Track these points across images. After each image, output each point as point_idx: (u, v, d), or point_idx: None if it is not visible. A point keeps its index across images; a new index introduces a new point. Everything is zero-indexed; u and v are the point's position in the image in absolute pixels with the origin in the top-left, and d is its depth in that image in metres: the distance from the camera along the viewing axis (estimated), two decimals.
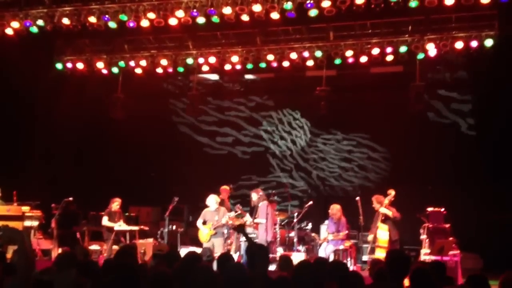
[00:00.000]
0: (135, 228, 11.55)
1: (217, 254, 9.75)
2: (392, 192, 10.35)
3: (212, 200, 10.48)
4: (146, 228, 11.89)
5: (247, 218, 10.61)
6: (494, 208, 11.52)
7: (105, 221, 11.20)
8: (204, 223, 10.42)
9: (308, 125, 15.18)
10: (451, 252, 9.43)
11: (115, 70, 13.77)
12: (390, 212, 10.12)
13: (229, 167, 14.91)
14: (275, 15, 10.79)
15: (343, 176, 14.66)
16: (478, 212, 11.76)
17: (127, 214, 12.45)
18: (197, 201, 14.95)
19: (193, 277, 4.11)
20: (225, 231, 10.51)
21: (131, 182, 14.56)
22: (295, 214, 11.66)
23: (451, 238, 9.68)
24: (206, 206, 10.58)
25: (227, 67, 13.22)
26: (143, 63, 13.45)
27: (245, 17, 11.04)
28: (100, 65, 13.71)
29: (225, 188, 11.57)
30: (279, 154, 15.24)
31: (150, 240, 11.27)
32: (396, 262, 5.00)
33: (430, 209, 10.43)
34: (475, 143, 13.20)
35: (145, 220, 13.27)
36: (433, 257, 9.10)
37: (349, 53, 12.18)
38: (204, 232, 10.38)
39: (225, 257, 5.66)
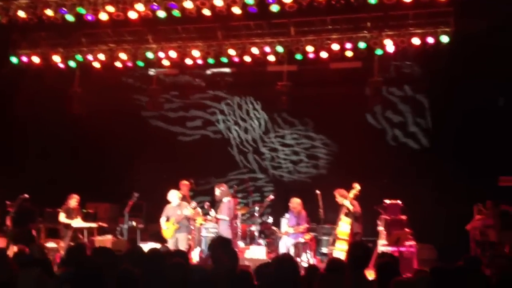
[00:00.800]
0: (93, 225, 11.38)
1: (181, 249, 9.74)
2: (357, 186, 10.51)
3: (173, 196, 10.43)
4: (105, 225, 11.73)
5: (212, 213, 10.61)
6: (448, 201, 11.85)
7: (62, 218, 10.99)
8: (168, 219, 10.35)
9: (265, 118, 15.25)
10: (407, 243, 9.69)
11: (72, 64, 13.50)
12: (351, 207, 10.24)
13: (193, 160, 14.81)
14: (236, 10, 10.78)
15: (301, 170, 14.80)
16: (433, 205, 12.08)
17: (84, 210, 12.24)
18: (158, 197, 14.92)
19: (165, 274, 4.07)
20: (188, 224, 10.45)
21: (89, 179, 14.30)
22: (256, 208, 11.73)
23: (407, 230, 9.94)
24: (168, 202, 10.52)
25: (188, 61, 13.14)
26: (102, 56, 13.22)
27: (206, 12, 10.98)
28: (56, 58, 13.41)
29: (185, 183, 11.52)
30: (234, 143, 15.24)
31: (109, 236, 11.12)
32: (357, 254, 5.13)
33: (387, 201, 10.67)
34: (431, 138, 13.55)
35: (103, 217, 13.05)
36: (390, 248, 9.32)
37: (309, 48, 12.28)
38: (166, 229, 10.32)
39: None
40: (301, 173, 14.77)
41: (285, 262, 4.85)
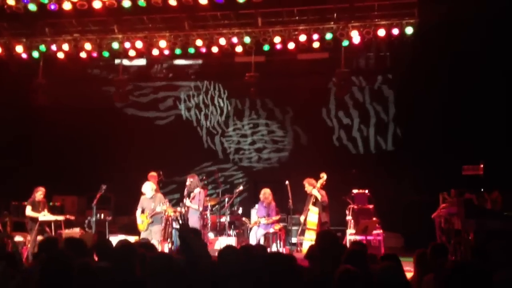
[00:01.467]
0: (61, 218, 11.19)
1: (154, 241, 9.69)
2: (324, 176, 10.64)
3: (147, 188, 10.34)
4: (72, 218, 11.54)
5: (186, 201, 10.55)
6: (413, 190, 12.12)
7: (28, 211, 10.77)
8: (143, 211, 10.28)
9: (229, 108, 15.26)
10: (374, 232, 9.87)
11: (35, 54, 13.19)
12: (319, 196, 10.38)
13: (162, 151, 14.71)
14: (203, 0, 10.70)
15: (266, 157, 14.88)
16: (399, 194, 12.33)
17: (51, 203, 12.04)
18: (126, 189, 14.78)
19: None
20: (162, 219, 10.38)
21: (56, 171, 14.07)
22: (226, 199, 11.74)
23: (374, 219, 10.10)
24: (141, 194, 10.45)
25: (155, 52, 12.98)
26: (66, 47, 12.96)
27: (172, 1, 10.89)
28: (19, 49, 13.08)
29: (153, 174, 11.43)
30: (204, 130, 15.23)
31: (77, 229, 10.95)
32: (326, 243, 5.19)
33: (355, 191, 10.83)
34: (396, 130, 13.81)
35: (70, 210, 12.89)
36: (358, 237, 9.48)
37: (277, 39, 12.29)
38: (140, 222, 10.25)
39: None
40: (267, 160, 14.82)
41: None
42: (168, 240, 10.58)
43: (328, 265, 4.83)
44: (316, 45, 12.33)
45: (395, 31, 11.67)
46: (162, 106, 15.58)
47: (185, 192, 10.57)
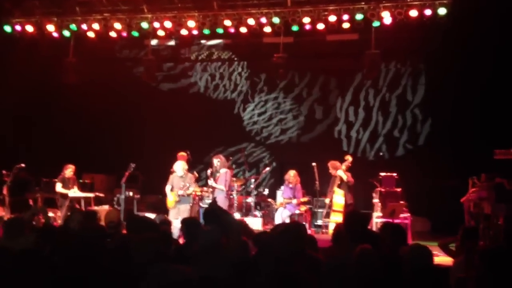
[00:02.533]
0: (90, 195, 11.40)
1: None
2: (349, 158, 10.64)
3: (179, 167, 10.42)
4: (102, 195, 11.75)
5: (210, 182, 10.62)
6: (442, 174, 11.95)
7: (58, 187, 11.00)
8: (172, 189, 10.39)
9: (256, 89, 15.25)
10: (401, 215, 9.78)
11: (66, 33, 13.34)
12: (345, 176, 10.38)
13: (191, 131, 14.81)
14: None
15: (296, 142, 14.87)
16: (427, 178, 12.17)
17: (81, 181, 12.26)
18: (154, 168, 14.94)
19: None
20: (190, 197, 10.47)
21: (86, 149, 14.30)
22: (252, 180, 11.78)
23: (402, 202, 10.02)
24: (171, 172, 10.56)
25: (184, 32, 13.00)
26: (96, 26, 13.06)
27: None
28: (50, 28, 13.24)
29: (182, 154, 11.51)
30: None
31: (106, 207, 11.14)
32: (354, 223, 5.17)
33: (382, 174, 10.74)
34: (428, 112, 13.58)
35: (100, 188, 13.06)
36: (384, 220, 9.40)
37: (306, 20, 12.16)
38: (170, 199, 10.37)
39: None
40: (294, 142, 14.75)
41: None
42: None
43: (355, 246, 4.82)
44: (346, 25, 12.16)
45: (428, 12, 11.42)
46: (190, 87, 15.61)
47: (208, 173, 10.61)
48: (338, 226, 5.62)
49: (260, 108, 15.18)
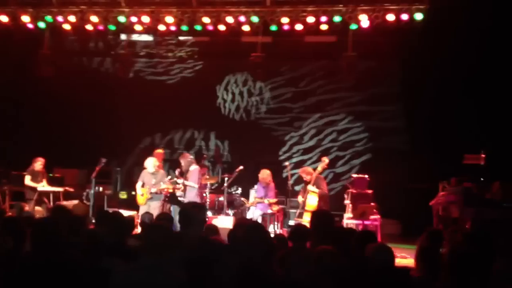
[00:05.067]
0: (59, 189, 11.24)
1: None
2: (325, 160, 10.54)
3: (150, 163, 10.35)
4: (71, 190, 11.60)
5: (179, 181, 10.55)
6: (413, 178, 12.07)
7: (27, 180, 10.82)
8: (143, 185, 10.29)
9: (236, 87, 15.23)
10: (372, 217, 9.84)
11: (41, 25, 13.13)
12: (317, 190, 10.18)
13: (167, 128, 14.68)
14: None
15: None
16: (399, 182, 12.28)
17: (51, 175, 12.07)
18: (129, 164, 14.82)
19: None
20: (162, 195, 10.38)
21: (58, 143, 14.09)
22: (225, 179, 11.73)
23: (372, 204, 10.08)
24: (143, 169, 10.46)
25: (161, 27, 12.90)
26: (72, 18, 12.88)
27: None
28: (25, 19, 13.02)
29: (158, 152, 11.42)
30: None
31: (75, 202, 10.97)
32: (320, 222, 5.17)
33: (354, 175, 10.79)
34: (400, 117, 13.71)
35: (71, 183, 12.85)
36: (355, 221, 9.46)
37: (284, 20, 12.16)
38: (140, 194, 10.27)
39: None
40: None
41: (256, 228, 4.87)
42: None
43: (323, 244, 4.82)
44: (324, 27, 12.20)
45: (405, 17, 11.52)
46: (166, 82, 15.48)
47: (177, 173, 10.53)
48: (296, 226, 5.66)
49: (237, 109, 15.14)
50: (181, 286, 3.65)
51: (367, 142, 13.96)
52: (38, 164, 10.95)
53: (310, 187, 10.16)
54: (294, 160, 14.07)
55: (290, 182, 11.11)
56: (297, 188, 11.67)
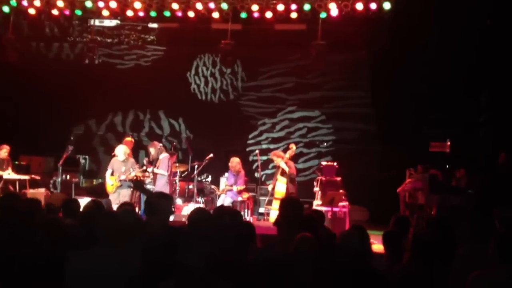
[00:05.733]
0: (25, 177, 11.02)
1: None
2: (293, 147, 10.68)
3: (120, 150, 10.21)
4: (37, 178, 11.39)
5: (149, 169, 10.46)
6: (381, 166, 12.27)
7: None
8: (112, 173, 10.17)
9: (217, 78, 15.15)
10: (340, 204, 9.97)
11: (5, 9, 12.75)
12: (287, 168, 10.37)
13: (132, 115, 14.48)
14: None
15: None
16: (367, 169, 12.48)
17: (17, 162, 11.83)
18: (97, 152, 14.63)
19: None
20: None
21: (23, 131, 13.81)
22: (195, 166, 11.70)
23: (341, 191, 10.21)
24: (112, 156, 10.33)
25: (129, 13, 12.67)
26: (37, 3, 12.53)
27: None
28: None
29: (127, 140, 11.28)
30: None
31: (42, 190, 10.81)
32: (288, 209, 5.22)
33: (323, 163, 10.90)
34: (369, 105, 13.88)
35: (37, 171, 12.63)
36: (324, 208, 9.56)
37: (254, 7, 12.09)
38: (110, 183, 10.14)
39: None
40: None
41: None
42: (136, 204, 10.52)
43: (292, 231, 4.88)
44: (293, 15, 12.18)
45: (373, 6, 11.60)
46: (134, 68, 15.28)
47: (145, 161, 10.43)
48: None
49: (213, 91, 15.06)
50: (133, 275, 3.62)
51: (333, 145, 14.11)
52: (3, 151, 10.71)
53: (282, 163, 10.36)
54: (263, 146, 14.16)
55: (259, 170, 11.18)
56: (268, 172, 11.71)
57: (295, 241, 4.20)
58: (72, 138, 14.20)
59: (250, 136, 14.70)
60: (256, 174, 11.07)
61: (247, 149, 14.39)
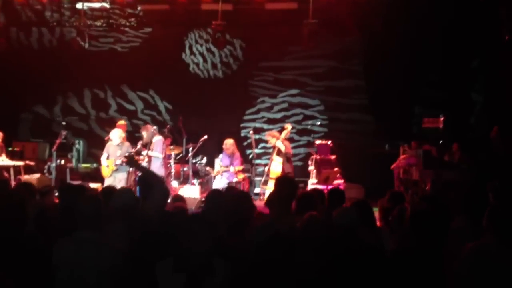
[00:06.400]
0: (20, 163, 11.01)
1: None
2: (288, 127, 10.68)
3: (116, 134, 10.14)
4: (32, 163, 11.37)
5: (143, 152, 10.44)
6: (375, 143, 12.31)
7: None
8: (108, 157, 10.14)
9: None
10: (335, 182, 10.04)
11: None
12: (283, 147, 10.39)
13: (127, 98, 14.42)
14: None
15: None
16: (361, 146, 12.52)
17: (10, 149, 11.79)
18: (91, 137, 14.58)
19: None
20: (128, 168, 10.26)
21: (16, 117, 13.76)
22: (190, 148, 11.71)
23: (336, 169, 10.27)
24: (107, 141, 10.30)
25: None
26: None
27: None
28: None
29: (121, 123, 11.24)
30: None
31: (37, 175, 10.79)
32: (283, 188, 5.24)
33: (318, 141, 10.94)
34: (362, 83, 13.88)
35: (31, 156, 12.61)
36: (319, 186, 9.62)
37: None
38: (106, 167, 10.12)
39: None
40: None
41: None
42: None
43: (286, 210, 4.91)
44: None
45: None
46: (125, 53, 15.16)
47: (139, 146, 10.38)
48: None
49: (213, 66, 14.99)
50: (116, 263, 3.61)
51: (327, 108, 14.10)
52: None
53: (278, 143, 10.36)
54: (257, 125, 14.14)
55: (254, 148, 11.20)
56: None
57: (303, 221, 4.22)
58: (64, 123, 14.11)
59: (247, 112, 14.58)
60: (249, 153, 11.05)
61: (241, 125, 14.34)
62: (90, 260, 3.54)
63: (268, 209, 5.55)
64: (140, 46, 14.94)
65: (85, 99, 14.98)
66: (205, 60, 15.02)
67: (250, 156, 11.42)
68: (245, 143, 13.59)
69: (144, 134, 10.37)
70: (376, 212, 5.99)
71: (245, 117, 14.46)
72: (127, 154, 9.85)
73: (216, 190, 5.25)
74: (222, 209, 4.30)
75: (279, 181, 5.40)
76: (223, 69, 14.96)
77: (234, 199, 4.70)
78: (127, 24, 14.73)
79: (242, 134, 14.01)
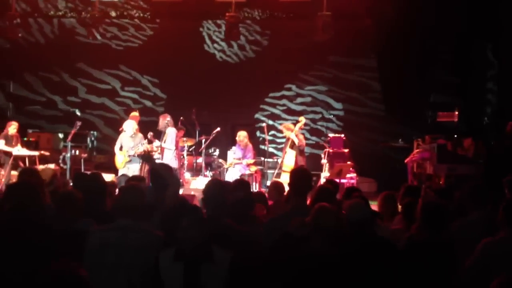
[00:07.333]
0: (35, 153, 11.11)
1: None
2: (302, 119, 10.66)
3: (129, 126, 10.18)
4: (47, 153, 11.47)
5: (156, 143, 10.47)
6: (389, 137, 12.25)
7: (1, 145, 10.65)
8: (121, 148, 10.20)
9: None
10: (348, 175, 10.02)
11: None
12: (296, 140, 10.37)
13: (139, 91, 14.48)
14: None
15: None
16: (375, 140, 12.46)
17: (25, 139, 11.91)
18: (105, 128, 14.67)
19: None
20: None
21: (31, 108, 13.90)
22: (203, 140, 11.74)
23: (349, 162, 10.24)
24: (120, 132, 10.36)
25: None
26: None
27: None
28: None
29: (134, 114, 11.28)
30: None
31: (52, 165, 10.86)
32: (298, 179, 5.23)
33: (331, 135, 10.91)
34: (375, 77, 13.79)
35: (45, 147, 12.71)
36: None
37: None
38: (119, 159, 10.18)
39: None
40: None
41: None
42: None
43: (301, 202, 4.89)
44: None
45: None
46: (137, 44, 15.16)
47: (149, 135, 10.39)
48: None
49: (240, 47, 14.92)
50: (156, 246, 3.66)
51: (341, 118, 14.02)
52: (12, 128, 10.76)
53: (292, 135, 10.34)
54: (276, 111, 14.07)
55: (267, 143, 11.20)
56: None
57: (313, 212, 4.19)
58: (79, 114, 14.20)
59: (270, 95, 14.43)
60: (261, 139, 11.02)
61: (260, 106, 14.24)
62: (135, 241, 3.64)
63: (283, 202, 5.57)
64: (153, 39, 14.92)
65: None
66: (230, 45, 14.89)
67: (262, 145, 11.32)
68: (258, 134, 13.55)
69: (161, 122, 10.42)
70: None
71: (267, 99, 14.35)
72: (140, 145, 9.93)
73: (215, 179, 5.26)
74: (219, 198, 4.31)
75: (294, 172, 5.39)
76: (253, 48, 14.83)
77: (231, 188, 4.70)
78: (141, 15, 14.72)
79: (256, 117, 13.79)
